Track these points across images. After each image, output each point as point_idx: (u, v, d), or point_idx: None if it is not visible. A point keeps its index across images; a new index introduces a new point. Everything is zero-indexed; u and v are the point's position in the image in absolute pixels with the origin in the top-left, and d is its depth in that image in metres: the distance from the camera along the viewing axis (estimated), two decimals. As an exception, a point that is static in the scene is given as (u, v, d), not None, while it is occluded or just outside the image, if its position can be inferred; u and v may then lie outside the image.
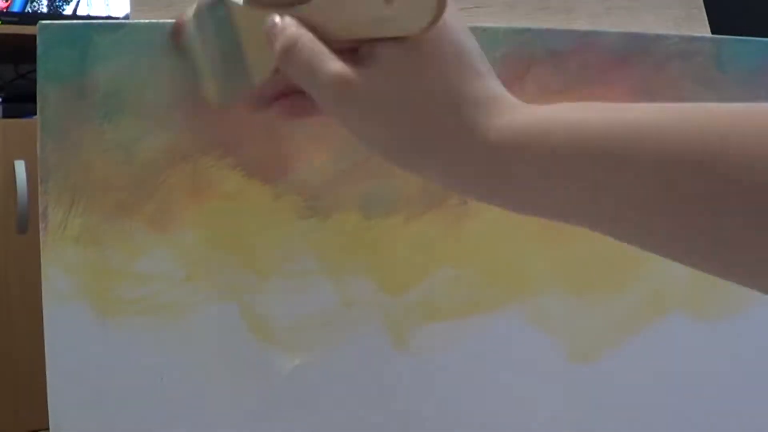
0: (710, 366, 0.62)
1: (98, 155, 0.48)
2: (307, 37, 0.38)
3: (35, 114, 0.48)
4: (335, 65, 0.37)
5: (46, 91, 0.47)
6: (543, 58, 0.55)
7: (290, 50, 0.38)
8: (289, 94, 0.44)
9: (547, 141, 0.34)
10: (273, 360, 0.52)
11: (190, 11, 0.46)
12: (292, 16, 0.40)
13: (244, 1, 0.43)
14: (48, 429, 0.49)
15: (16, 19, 1.67)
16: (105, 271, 0.49)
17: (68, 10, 1.86)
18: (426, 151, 0.37)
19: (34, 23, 0.48)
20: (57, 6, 1.84)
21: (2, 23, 1.64)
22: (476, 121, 0.36)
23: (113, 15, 1.92)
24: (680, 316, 0.61)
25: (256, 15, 0.42)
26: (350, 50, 0.39)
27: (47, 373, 0.49)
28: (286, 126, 0.51)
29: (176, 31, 0.47)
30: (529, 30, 0.55)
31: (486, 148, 0.36)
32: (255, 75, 0.43)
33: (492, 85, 0.38)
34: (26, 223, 1.45)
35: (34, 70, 0.47)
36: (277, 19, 0.40)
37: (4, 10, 1.73)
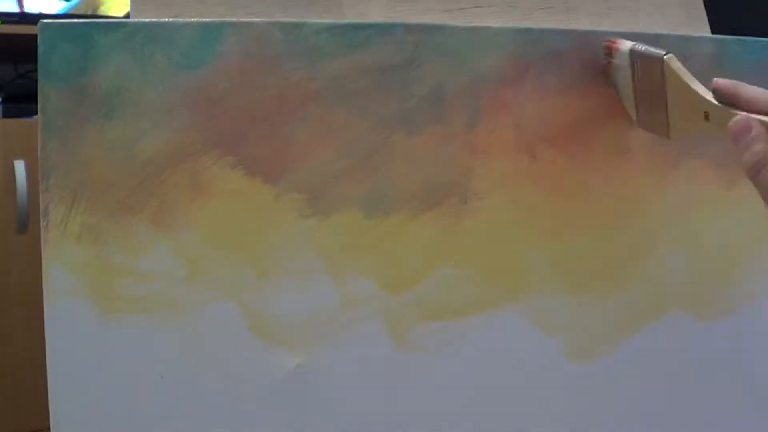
0: (709, 365, 0.62)
1: (99, 154, 0.48)
2: None
3: (35, 114, 0.48)
4: None
5: (47, 90, 0.47)
6: (543, 58, 0.55)
7: (760, 168, 0.40)
8: None
9: None
10: (273, 360, 0.52)
11: (626, 44, 0.53)
12: (762, 122, 0.41)
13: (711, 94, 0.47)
14: (48, 429, 0.49)
15: (16, 18, 1.67)
16: (106, 270, 0.49)
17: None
18: None
19: (34, 23, 0.48)
20: None
21: (2, 23, 1.64)
22: None
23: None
24: (679, 316, 0.61)
25: (686, 86, 0.48)
26: None
27: (47, 372, 0.49)
28: (287, 125, 0.51)
29: (608, 53, 0.54)
30: (529, 30, 0.55)
31: None
32: (671, 127, 0.51)
33: None
34: (26, 223, 1.44)
35: (34, 70, 0.47)
36: (753, 124, 0.41)
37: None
